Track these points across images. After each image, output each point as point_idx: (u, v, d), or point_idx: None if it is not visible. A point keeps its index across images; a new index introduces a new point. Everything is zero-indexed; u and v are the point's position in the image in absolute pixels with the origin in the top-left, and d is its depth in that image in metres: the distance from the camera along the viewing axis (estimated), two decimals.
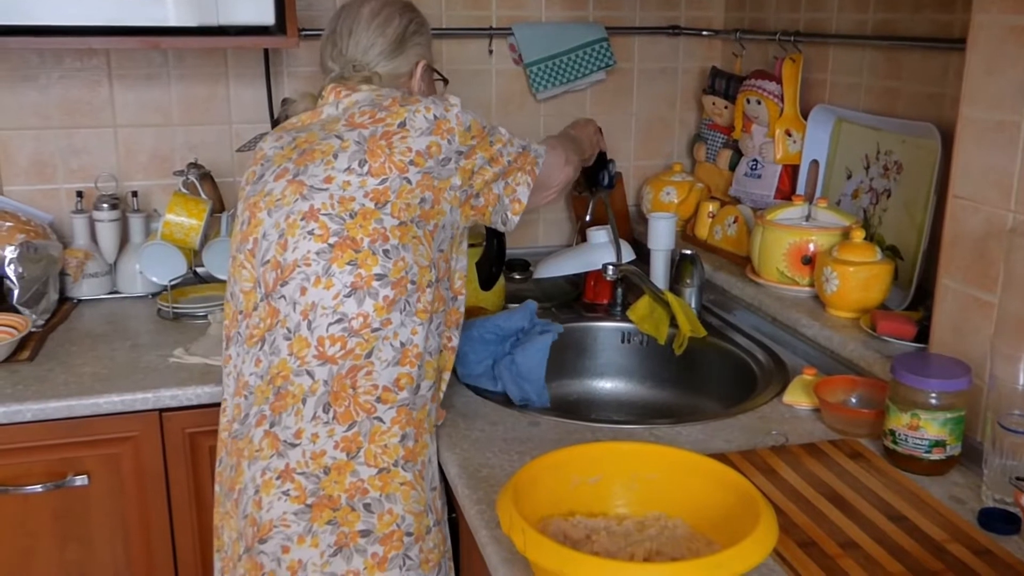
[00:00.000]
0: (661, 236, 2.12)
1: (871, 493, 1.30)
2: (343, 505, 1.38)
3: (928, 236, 1.73)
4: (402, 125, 1.47)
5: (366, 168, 1.44)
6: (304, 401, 1.39)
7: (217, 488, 1.51)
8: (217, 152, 2.33)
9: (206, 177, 2.20)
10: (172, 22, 1.84)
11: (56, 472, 1.70)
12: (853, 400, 1.56)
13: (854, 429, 1.49)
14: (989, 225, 1.36)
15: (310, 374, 1.39)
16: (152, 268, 2.11)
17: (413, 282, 1.43)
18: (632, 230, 2.46)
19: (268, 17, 1.89)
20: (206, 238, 2.13)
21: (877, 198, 1.92)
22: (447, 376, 1.56)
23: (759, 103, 2.18)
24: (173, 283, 2.10)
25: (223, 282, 2.13)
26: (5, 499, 1.68)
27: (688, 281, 2.01)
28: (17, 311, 1.94)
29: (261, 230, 1.45)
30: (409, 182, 1.44)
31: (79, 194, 2.20)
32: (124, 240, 2.21)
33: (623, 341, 2.04)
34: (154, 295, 2.18)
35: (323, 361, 1.39)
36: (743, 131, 2.27)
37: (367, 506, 1.39)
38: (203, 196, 2.14)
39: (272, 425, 1.40)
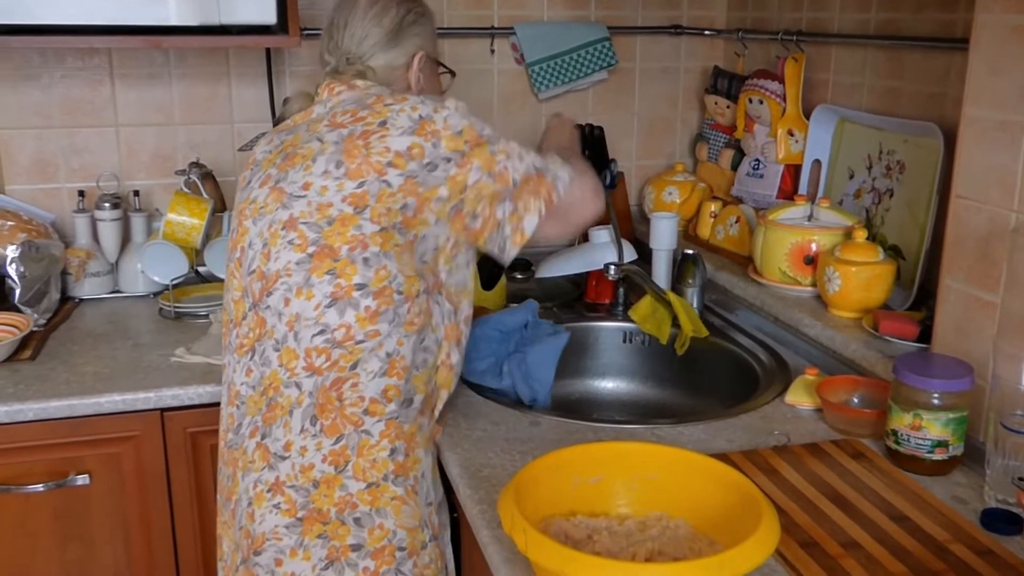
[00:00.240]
0: (663, 236, 2.11)
1: (873, 493, 1.30)
2: (333, 519, 1.36)
3: (930, 236, 1.73)
4: (383, 124, 1.39)
5: (343, 170, 1.37)
6: (291, 413, 1.37)
7: (218, 497, 1.51)
8: (219, 151, 2.33)
9: (208, 176, 2.20)
10: (174, 21, 1.83)
11: (57, 471, 1.70)
12: (855, 400, 1.56)
13: (856, 429, 1.49)
14: (992, 225, 1.36)
15: (298, 386, 1.37)
16: (154, 267, 2.11)
17: (400, 292, 1.38)
18: (634, 230, 2.46)
19: (270, 16, 1.89)
20: (208, 237, 2.13)
21: (879, 198, 1.92)
22: (445, 394, 1.50)
23: (761, 103, 2.18)
24: (175, 282, 2.10)
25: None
26: (6, 498, 1.68)
27: (690, 281, 2.01)
28: (19, 310, 1.94)
29: (247, 239, 1.43)
30: (389, 185, 1.36)
31: (81, 193, 2.20)
32: (126, 239, 2.21)
33: (625, 341, 2.04)
34: (156, 294, 2.18)
35: (311, 373, 1.36)
36: (745, 131, 2.27)
37: (357, 520, 1.36)
38: (205, 195, 2.14)
39: (263, 437, 1.39)
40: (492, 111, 2.49)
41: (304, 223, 1.37)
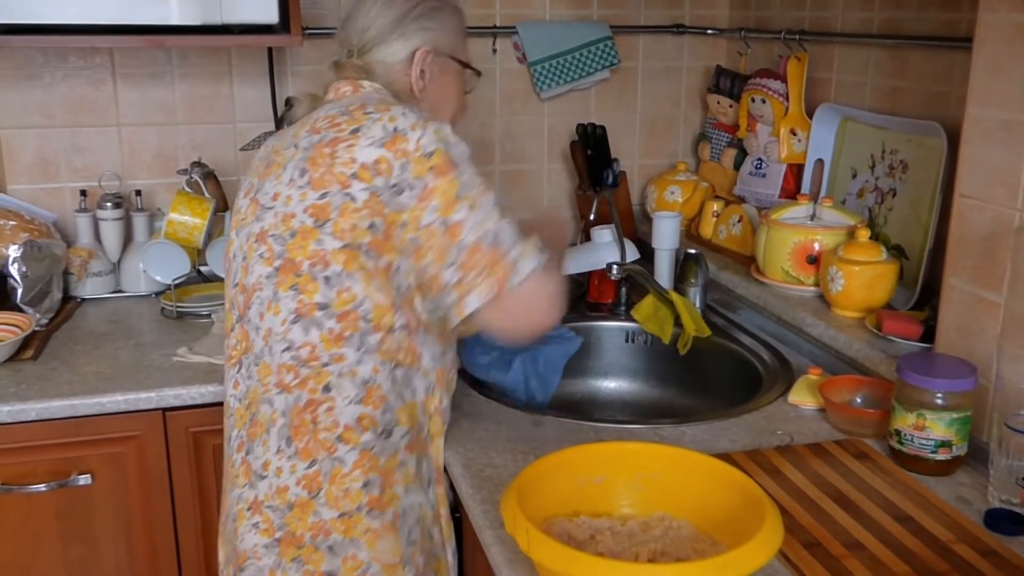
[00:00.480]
0: (665, 235, 2.11)
1: (876, 493, 1.29)
2: (307, 543, 1.32)
3: (934, 235, 1.72)
4: (355, 132, 1.29)
5: (306, 179, 1.29)
6: (268, 431, 1.34)
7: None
8: (221, 151, 2.33)
9: (210, 176, 2.20)
10: (176, 21, 1.83)
11: (60, 471, 1.70)
12: (858, 400, 1.55)
13: (859, 429, 1.48)
14: (996, 224, 1.36)
15: (270, 402, 1.33)
16: (156, 267, 2.11)
17: (367, 320, 1.29)
18: (636, 229, 2.46)
19: (272, 16, 1.89)
20: (210, 237, 2.13)
21: (882, 197, 1.91)
22: (440, 442, 1.43)
23: (764, 102, 2.17)
24: (177, 282, 2.10)
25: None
26: (9, 498, 1.68)
27: (692, 280, 2.01)
28: (21, 310, 1.93)
29: (232, 251, 1.41)
30: (353, 199, 1.26)
31: (83, 193, 2.20)
32: (128, 239, 2.21)
33: (627, 340, 2.04)
34: (158, 294, 2.18)
35: (280, 390, 1.32)
36: (748, 130, 2.27)
37: (331, 548, 1.32)
38: (207, 195, 2.14)
39: (247, 452, 1.37)
40: (494, 111, 2.48)
41: (272, 235, 1.32)
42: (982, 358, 1.38)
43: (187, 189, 2.13)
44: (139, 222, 2.21)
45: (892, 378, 1.42)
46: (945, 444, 1.33)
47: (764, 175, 2.22)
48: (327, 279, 1.28)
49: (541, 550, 0.96)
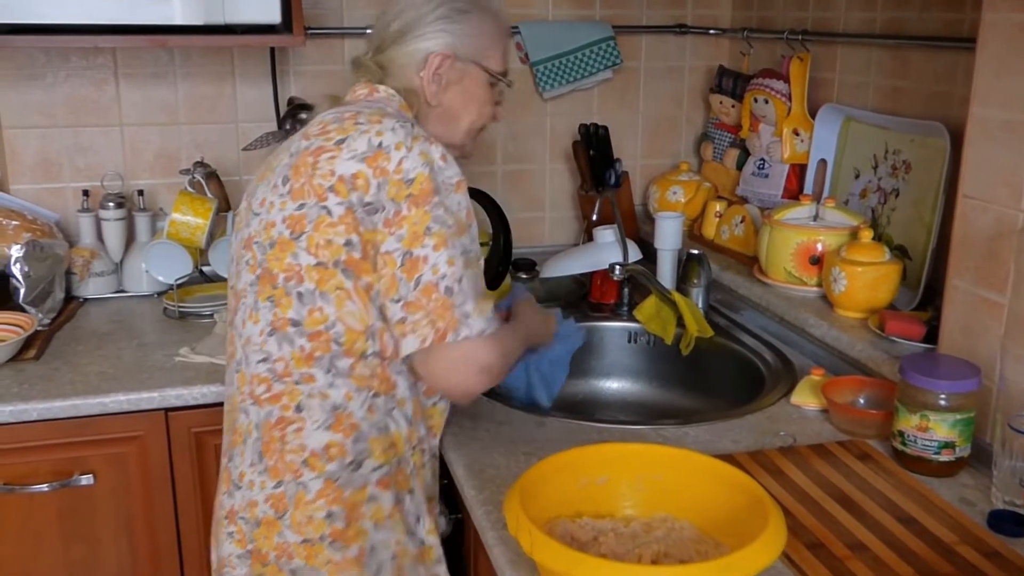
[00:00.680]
0: (668, 236, 2.11)
1: (880, 495, 1.29)
2: (272, 562, 1.30)
3: (937, 236, 1.72)
4: (340, 143, 1.24)
5: (287, 187, 1.26)
6: (245, 442, 1.33)
7: None
8: (223, 151, 2.33)
9: (212, 176, 2.20)
10: (179, 20, 1.83)
11: (62, 471, 1.70)
12: (861, 401, 1.55)
13: (862, 430, 1.48)
14: (999, 225, 1.35)
15: (246, 412, 1.32)
16: (158, 267, 2.11)
17: (338, 343, 1.25)
18: (639, 229, 2.46)
19: (274, 16, 1.89)
20: (212, 237, 2.13)
21: (885, 198, 1.91)
22: (425, 473, 1.37)
23: (766, 102, 2.17)
24: (179, 282, 2.10)
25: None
26: (11, 498, 1.68)
27: (695, 281, 2.01)
28: (23, 310, 1.93)
29: (231, 255, 1.41)
30: (329, 213, 1.22)
31: (85, 193, 2.20)
32: (130, 239, 2.21)
33: (630, 341, 2.04)
34: (160, 294, 2.18)
35: (253, 400, 1.30)
36: (750, 130, 2.26)
37: (293, 572, 1.30)
38: (209, 195, 2.14)
39: (229, 459, 1.36)
40: None
41: (256, 242, 1.30)
42: (985, 359, 1.37)
43: (189, 189, 2.13)
44: (141, 222, 2.21)
45: (895, 379, 1.42)
46: (948, 445, 1.32)
47: (767, 175, 2.21)
48: (300, 295, 1.25)
49: (544, 552, 0.96)
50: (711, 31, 2.55)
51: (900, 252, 1.83)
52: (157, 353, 1.86)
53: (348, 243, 1.23)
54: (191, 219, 2.09)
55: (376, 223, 1.22)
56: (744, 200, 2.28)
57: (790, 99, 2.14)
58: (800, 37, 2.14)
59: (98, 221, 2.18)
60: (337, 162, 1.23)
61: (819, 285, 1.87)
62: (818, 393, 1.57)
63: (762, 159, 2.23)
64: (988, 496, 1.29)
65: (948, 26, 1.78)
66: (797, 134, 2.14)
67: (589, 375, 2.03)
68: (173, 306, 2.06)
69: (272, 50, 2.27)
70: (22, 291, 1.95)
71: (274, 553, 1.30)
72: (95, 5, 1.80)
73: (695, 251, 2.03)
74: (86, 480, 1.70)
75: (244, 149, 2.23)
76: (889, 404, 1.43)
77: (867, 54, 2.00)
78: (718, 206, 2.31)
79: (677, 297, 1.94)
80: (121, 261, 2.21)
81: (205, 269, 2.23)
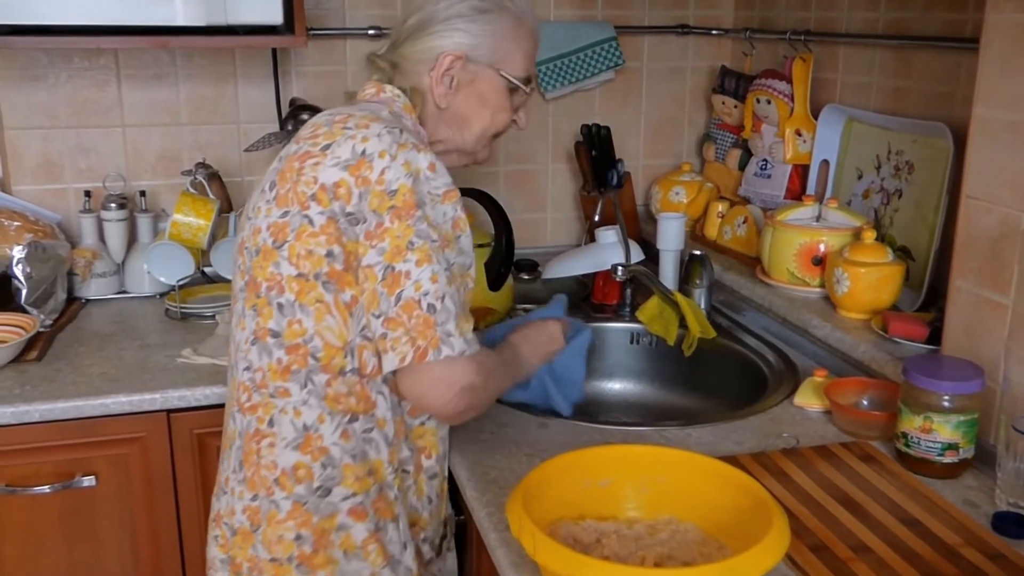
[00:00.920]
0: (670, 236, 2.11)
1: (883, 496, 1.29)
2: (244, 573, 1.28)
3: (940, 237, 1.72)
4: (325, 148, 1.20)
5: (274, 193, 1.23)
6: (231, 447, 1.32)
7: None
8: (225, 152, 2.33)
9: (214, 177, 2.20)
10: (180, 21, 1.83)
11: (64, 473, 1.70)
12: (864, 402, 1.55)
13: (866, 431, 1.48)
14: (1003, 226, 1.35)
15: (233, 418, 1.31)
16: (160, 268, 2.11)
17: (315, 358, 1.22)
18: (641, 230, 2.46)
19: (276, 16, 1.89)
20: (214, 238, 2.13)
21: (888, 198, 1.91)
22: (410, 497, 1.32)
23: (769, 103, 2.17)
24: (181, 283, 2.10)
25: (231, 282, 2.13)
26: (13, 500, 1.68)
27: (697, 282, 2.00)
28: (25, 311, 1.93)
29: (232, 256, 1.40)
30: (311, 222, 1.18)
31: (87, 194, 2.20)
32: (132, 240, 2.21)
33: (632, 342, 2.04)
34: (162, 295, 2.18)
35: (238, 408, 1.29)
36: (753, 131, 2.26)
37: None
38: (211, 196, 2.15)
39: (222, 462, 1.36)
40: None
41: (246, 248, 1.29)
42: (989, 360, 1.37)
43: (191, 190, 2.13)
44: (143, 223, 2.21)
45: (898, 380, 1.41)
46: (952, 447, 1.32)
47: (769, 176, 2.21)
48: (280, 306, 1.22)
49: (547, 554, 0.96)
50: (713, 31, 2.55)
51: (903, 253, 1.83)
52: (159, 354, 1.85)
53: (330, 254, 1.19)
54: (193, 220, 2.08)
55: (358, 234, 1.18)
56: (746, 201, 2.28)
57: (792, 100, 2.14)
58: (803, 37, 2.14)
59: (100, 222, 2.18)
60: (320, 169, 1.20)
61: (822, 286, 1.87)
62: (821, 394, 1.57)
63: (764, 160, 2.23)
64: (992, 498, 1.29)
65: (951, 26, 1.78)
66: (800, 135, 2.14)
67: (591, 376, 2.01)
68: (175, 307, 2.06)
69: (274, 51, 2.27)
70: (24, 292, 1.94)
71: (247, 565, 1.28)
72: (97, 6, 1.80)
73: (697, 252, 2.03)
74: (88, 481, 1.70)
75: (246, 150, 2.23)
76: (892, 405, 1.42)
77: (870, 54, 2.00)
78: (720, 207, 2.31)
79: (679, 298, 1.93)
80: (123, 262, 2.21)
81: (207, 270, 2.23)
